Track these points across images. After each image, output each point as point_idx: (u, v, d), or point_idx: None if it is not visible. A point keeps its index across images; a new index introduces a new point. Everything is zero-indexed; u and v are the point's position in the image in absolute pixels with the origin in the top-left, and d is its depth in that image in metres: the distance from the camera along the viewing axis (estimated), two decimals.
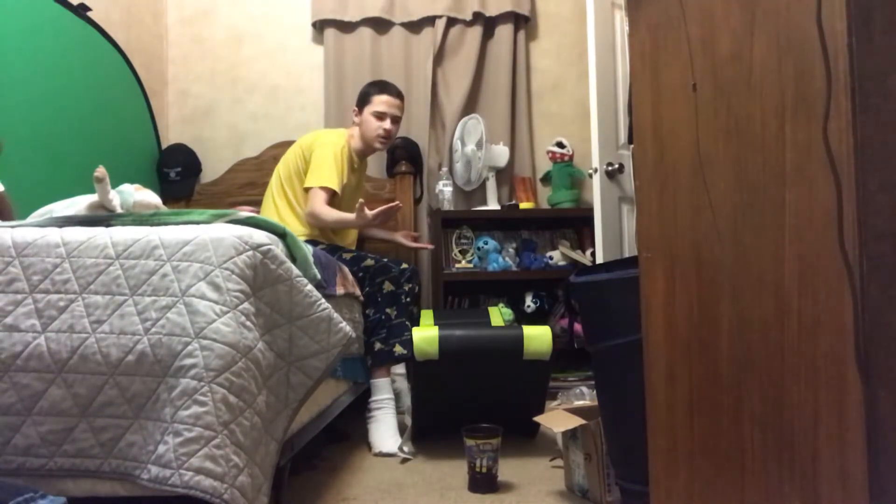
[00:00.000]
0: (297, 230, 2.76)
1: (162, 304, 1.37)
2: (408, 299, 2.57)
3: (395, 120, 2.90)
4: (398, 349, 2.48)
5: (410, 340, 2.31)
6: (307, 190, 2.73)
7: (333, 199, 2.71)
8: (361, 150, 2.93)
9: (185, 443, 1.25)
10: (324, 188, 2.69)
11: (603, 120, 2.75)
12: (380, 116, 2.84)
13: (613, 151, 2.81)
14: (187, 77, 3.80)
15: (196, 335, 1.32)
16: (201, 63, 3.80)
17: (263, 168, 3.62)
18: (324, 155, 2.73)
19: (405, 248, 3.26)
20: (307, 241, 2.61)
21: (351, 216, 2.65)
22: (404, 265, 2.60)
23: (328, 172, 2.71)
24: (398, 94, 2.93)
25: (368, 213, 2.57)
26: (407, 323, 2.52)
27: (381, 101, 2.85)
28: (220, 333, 1.33)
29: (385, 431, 2.40)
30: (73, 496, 1.32)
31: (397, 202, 2.72)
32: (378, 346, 2.47)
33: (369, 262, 2.56)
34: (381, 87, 2.92)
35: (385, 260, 2.60)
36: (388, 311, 2.50)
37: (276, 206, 2.84)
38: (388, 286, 2.52)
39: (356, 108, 2.93)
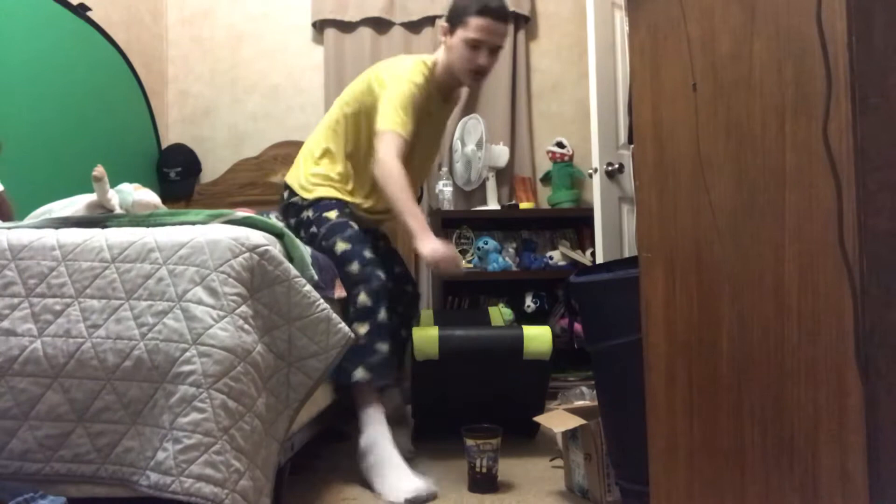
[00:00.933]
0: (309, 179, 2.30)
1: (158, 308, 1.36)
2: (385, 320, 2.03)
3: (495, 51, 2.20)
4: (360, 373, 1.95)
5: (383, 364, 1.98)
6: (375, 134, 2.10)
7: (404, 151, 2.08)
8: (446, 83, 2.27)
9: (185, 450, 1.25)
10: (398, 133, 2.04)
11: (603, 120, 2.76)
12: (475, 45, 2.15)
13: (613, 151, 2.81)
14: (187, 77, 3.80)
15: (194, 341, 1.32)
16: (201, 63, 3.80)
17: (263, 168, 3.63)
18: (399, 93, 2.09)
19: (405, 253, 3.00)
20: (318, 200, 2.24)
21: (412, 208, 2.01)
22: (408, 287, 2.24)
23: (403, 115, 2.07)
24: (503, 16, 2.19)
25: (432, 247, 1.96)
26: (379, 347, 2.00)
27: (478, 26, 2.13)
28: (217, 339, 1.32)
29: (391, 473, 1.87)
30: (73, 497, 1.32)
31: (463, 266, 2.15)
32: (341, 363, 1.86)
33: (354, 267, 2.06)
34: (481, 2, 2.14)
35: (372, 270, 2.06)
36: (356, 326, 2.00)
37: (316, 139, 2.35)
38: (363, 299, 2.02)
39: (445, 25, 2.21)
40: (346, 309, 2.08)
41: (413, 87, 2.11)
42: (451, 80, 2.25)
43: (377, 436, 1.94)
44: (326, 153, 2.31)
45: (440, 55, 2.24)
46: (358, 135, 2.26)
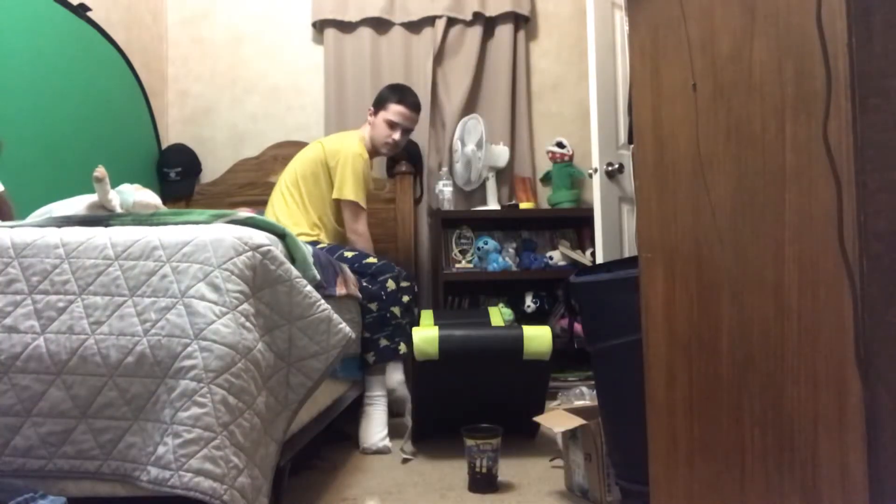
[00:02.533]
0: (304, 230, 2.79)
1: (161, 305, 1.36)
2: (409, 301, 2.58)
3: (406, 131, 2.97)
4: (403, 348, 2.50)
5: (411, 342, 2.33)
6: (339, 200, 2.79)
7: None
8: (369, 151, 2.95)
9: (185, 444, 1.25)
10: (361, 205, 2.78)
11: (603, 120, 2.75)
12: (392, 125, 2.90)
13: (613, 151, 2.81)
14: (187, 77, 3.80)
15: (196, 336, 1.32)
16: (201, 63, 3.80)
17: (263, 168, 3.62)
18: (356, 169, 2.78)
19: (405, 252, 3.27)
20: (310, 242, 2.63)
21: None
22: (404, 277, 2.63)
23: (362, 189, 2.80)
24: (415, 107, 2.97)
25: None
26: (408, 324, 2.53)
27: (396, 111, 2.90)
28: (219, 334, 1.33)
29: (373, 426, 2.42)
30: (73, 496, 1.32)
31: None
32: (384, 342, 2.48)
33: (372, 259, 2.59)
34: (400, 95, 2.94)
35: (386, 260, 2.62)
36: (392, 309, 2.50)
37: (284, 202, 2.86)
38: (391, 284, 2.52)
39: (371, 109, 2.97)
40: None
41: (363, 164, 2.84)
42: (371, 149, 2.96)
43: (376, 397, 2.50)
44: (293, 206, 2.87)
45: (366, 130, 2.98)
46: (314, 190, 2.86)
